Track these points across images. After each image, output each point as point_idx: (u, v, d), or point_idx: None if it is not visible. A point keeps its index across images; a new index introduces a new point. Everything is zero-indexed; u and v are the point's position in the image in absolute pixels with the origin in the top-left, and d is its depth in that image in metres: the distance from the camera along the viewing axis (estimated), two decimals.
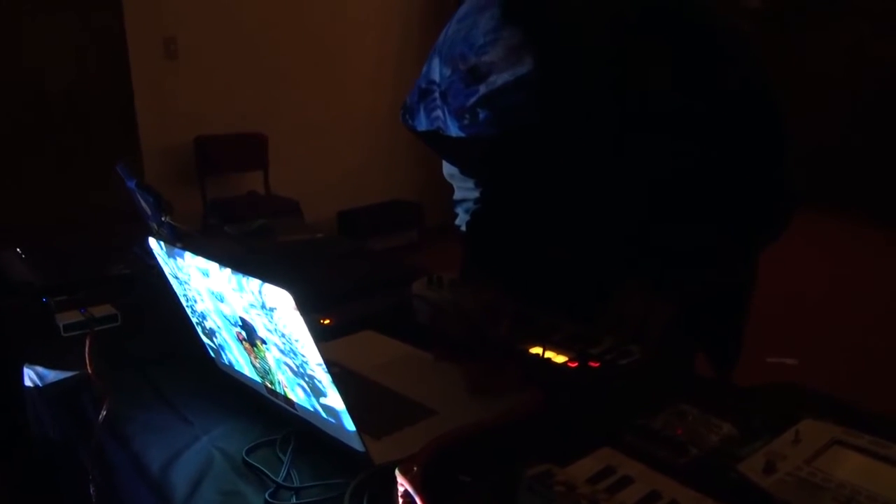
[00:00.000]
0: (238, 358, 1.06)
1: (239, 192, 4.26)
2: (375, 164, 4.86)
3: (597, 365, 1.12)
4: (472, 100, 1.00)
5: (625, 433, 0.92)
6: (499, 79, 0.97)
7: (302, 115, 4.47)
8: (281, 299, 0.80)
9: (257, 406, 1.06)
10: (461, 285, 1.40)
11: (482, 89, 0.98)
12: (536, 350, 1.17)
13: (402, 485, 0.65)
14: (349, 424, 0.86)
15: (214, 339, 1.10)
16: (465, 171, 1.41)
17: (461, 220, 1.49)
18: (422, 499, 0.60)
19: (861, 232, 4.94)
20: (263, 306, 0.85)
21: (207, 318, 1.07)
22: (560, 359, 1.15)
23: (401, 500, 0.69)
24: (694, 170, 1.16)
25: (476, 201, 1.45)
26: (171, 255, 1.04)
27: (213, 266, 0.92)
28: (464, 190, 1.47)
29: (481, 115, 1.00)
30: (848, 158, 5.23)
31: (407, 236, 4.73)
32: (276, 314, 0.84)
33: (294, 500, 0.86)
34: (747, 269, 1.38)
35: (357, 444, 0.87)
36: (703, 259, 1.25)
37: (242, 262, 1.50)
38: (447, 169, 1.45)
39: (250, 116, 4.23)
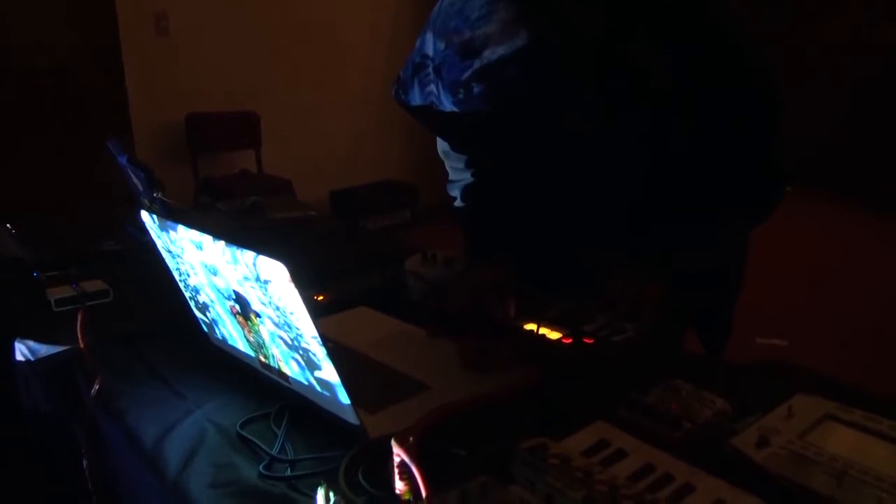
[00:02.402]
0: (232, 332, 1.05)
1: (231, 171, 4.23)
2: (368, 143, 4.84)
3: (591, 341, 1.12)
4: (467, 74, 0.99)
5: (619, 408, 0.92)
6: (493, 53, 0.96)
7: (295, 94, 4.44)
8: (276, 271, 0.80)
9: (251, 380, 1.05)
10: (464, 264, 1.39)
11: (477, 63, 0.97)
12: (531, 327, 1.17)
13: (399, 455, 0.65)
14: (344, 397, 0.86)
15: (208, 313, 1.09)
16: (457, 148, 1.40)
17: (459, 202, 1.49)
18: (418, 468, 0.60)
19: (855, 216, 4.96)
20: (258, 279, 0.85)
21: (201, 292, 1.06)
22: (554, 335, 1.15)
23: (396, 470, 0.69)
24: (686, 148, 1.16)
25: (466, 186, 1.44)
26: (163, 228, 1.03)
27: (206, 239, 0.92)
28: (456, 171, 1.46)
29: (476, 90, 0.99)
30: (843, 143, 5.24)
31: (400, 216, 4.71)
32: (270, 287, 0.83)
33: (288, 472, 0.86)
34: (737, 248, 1.38)
35: (352, 418, 0.87)
36: (695, 239, 1.25)
37: (236, 236, 1.49)
38: (441, 146, 1.44)
39: (242, 95, 4.20)
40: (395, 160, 4.91)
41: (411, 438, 0.64)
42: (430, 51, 1.08)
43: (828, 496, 0.74)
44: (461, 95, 1.03)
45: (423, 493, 0.58)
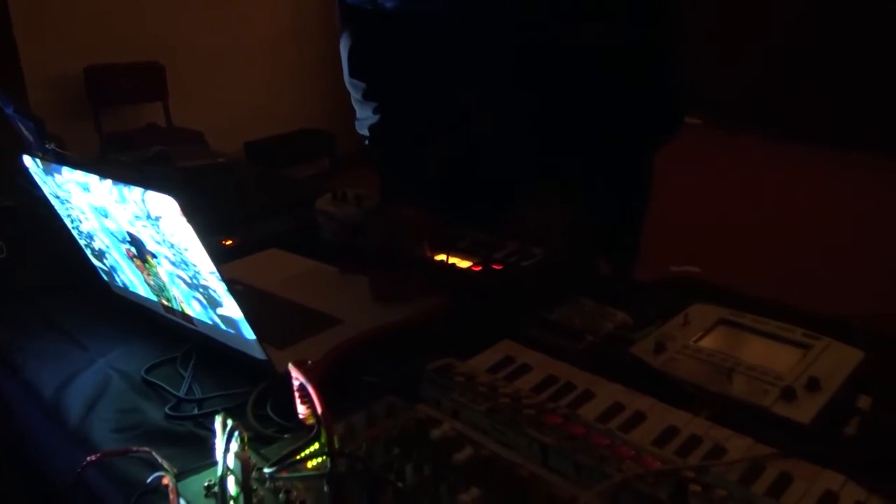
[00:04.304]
0: (131, 277, 1.02)
1: (137, 126, 4.06)
2: (282, 91, 4.70)
3: (500, 268, 1.14)
4: None
5: (525, 326, 0.94)
6: None
7: (200, 42, 4.25)
8: (165, 206, 0.77)
9: (156, 326, 1.03)
10: (376, 202, 1.38)
11: None
12: (441, 257, 1.18)
13: (297, 378, 0.65)
14: (248, 333, 0.84)
15: (105, 260, 1.05)
16: (354, 74, 1.38)
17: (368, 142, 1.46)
18: (314, 387, 0.59)
19: (763, 146, 5.14)
20: (149, 216, 0.82)
21: (95, 237, 1.02)
22: (464, 264, 1.16)
23: (297, 395, 0.69)
24: (589, 71, 1.17)
25: (371, 126, 1.42)
26: (48, 172, 0.97)
27: (92, 179, 0.87)
28: (360, 105, 1.44)
29: (389, 5, 0.98)
30: (756, 77, 5.41)
31: (319, 165, 4.63)
32: (162, 223, 0.81)
33: (196, 411, 0.85)
34: (642, 171, 1.41)
35: (258, 353, 0.86)
36: (600, 162, 1.27)
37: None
38: (346, 75, 1.42)
39: (143, 44, 4.00)
40: (311, 108, 4.79)
41: (309, 362, 0.64)
42: None
43: (718, 392, 0.78)
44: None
45: (319, 411, 0.58)
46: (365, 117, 1.44)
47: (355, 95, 1.42)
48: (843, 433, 0.72)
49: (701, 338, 0.89)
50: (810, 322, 0.91)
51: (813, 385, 0.77)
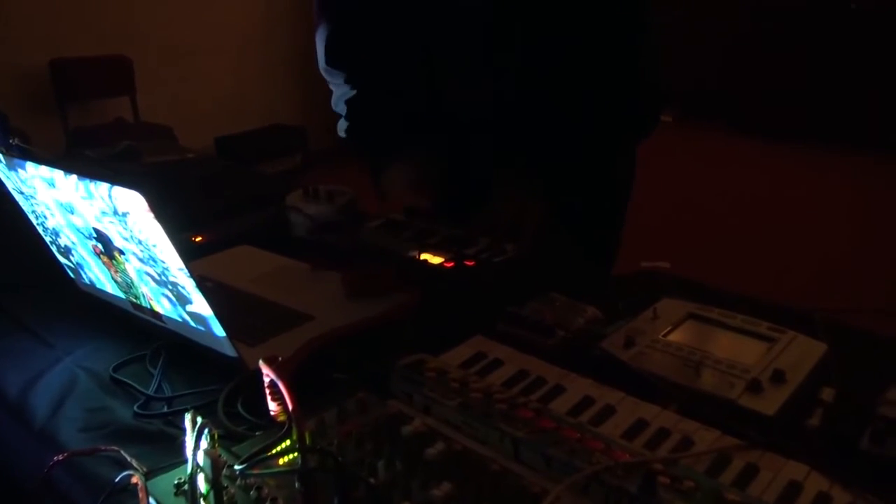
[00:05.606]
0: (98, 274, 1.00)
1: (105, 121, 3.99)
2: (253, 86, 4.66)
3: (472, 264, 1.14)
4: None
5: (496, 322, 0.94)
6: None
7: (168, 35, 4.19)
8: (133, 201, 0.76)
9: (124, 324, 1.01)
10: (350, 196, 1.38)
11: None
12: (413, 253, 1.18)
13: (268, 375, 0.65)
14: (219, 330, 0.84)
15: (71, 257, 1.04)
16: (332, 62, 1.37)
17: (344, 122, 1.45)
18: (284, 384, 0.59)
19: (731, 143, 5.22)
20: (116, 212, 0.81)
21: (60, 234, 1.00)
22: (436, 260, 1.16)
23: (268, 392, 0.69)
24: (563, 64, 1.18)
25: (349, 99, 1.42)
26: (11, 167, 0.95)
27: (58, 174, 0.86)
28: (339, 87, 1.43)
29: None
30: (727, 76, 5.49)
31: (290, 161, 4.60)
32: (129, 219, 0.79)
33: (166, 409, 0.84)
34: (621, 167, 1.43)
35: (228, 350, 0.85)
36: (575, 158, 1.28)
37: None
38: (321, 63, 1.41)
39: (111, 37, 3.93)
40: (283, 103, 4.76)
41: (279, 358, 0.64)
42: None
43: (687, 385, 0.79)
44: None
45: (290, 407, 0.58)
46: (342, 94, 1.43)
47: (335, 80, 1.42)
48: (807, 424, 0.73)
49: (670, 332, 0.90)
50: (776, 315, 0.93)
51: (778, 377, 0.78)
